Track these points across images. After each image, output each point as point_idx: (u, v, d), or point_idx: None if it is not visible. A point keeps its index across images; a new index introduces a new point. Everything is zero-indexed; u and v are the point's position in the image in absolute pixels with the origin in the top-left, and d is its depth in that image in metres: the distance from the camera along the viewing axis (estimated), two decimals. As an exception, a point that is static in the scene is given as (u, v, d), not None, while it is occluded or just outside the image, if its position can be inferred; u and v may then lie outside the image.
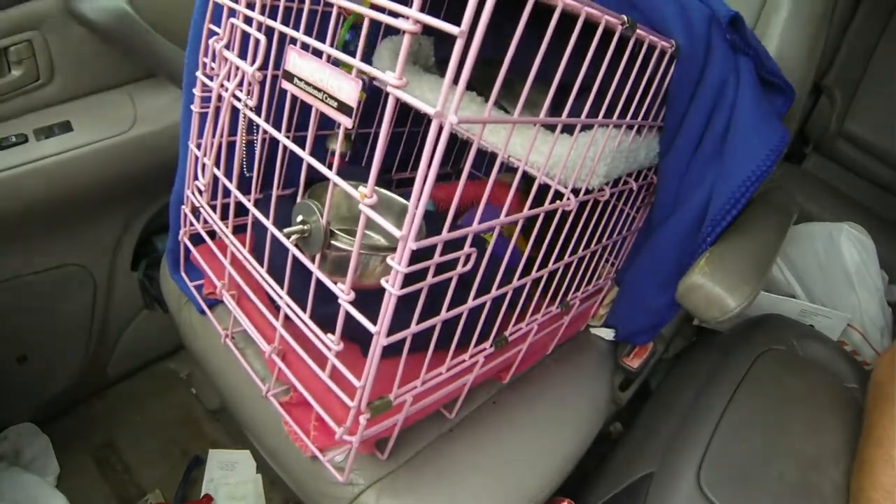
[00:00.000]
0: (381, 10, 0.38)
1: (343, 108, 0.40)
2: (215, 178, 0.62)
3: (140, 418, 1.26)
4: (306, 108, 0.45)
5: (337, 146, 0.45)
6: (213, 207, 0.64)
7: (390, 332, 0.44)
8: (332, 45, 0.44)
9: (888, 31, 1.41)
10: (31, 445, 1.11)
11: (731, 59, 0.65)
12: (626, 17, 0.47)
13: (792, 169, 1.54)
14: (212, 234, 0.67)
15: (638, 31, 0.50)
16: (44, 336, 1.07)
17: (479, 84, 0.66)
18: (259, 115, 0.54)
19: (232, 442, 1.24)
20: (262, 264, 0.56)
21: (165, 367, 1.37)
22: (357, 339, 0.58)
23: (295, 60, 0.45)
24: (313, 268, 0.48)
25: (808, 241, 1.13)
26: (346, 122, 0.40)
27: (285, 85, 0.46)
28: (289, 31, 0.48)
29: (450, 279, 0.47)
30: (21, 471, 1.04)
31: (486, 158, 0.91)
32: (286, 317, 0.54)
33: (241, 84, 0.55)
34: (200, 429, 1.26)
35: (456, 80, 0.34)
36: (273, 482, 1.17)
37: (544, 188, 0.54)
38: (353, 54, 0.41)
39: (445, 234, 0.42)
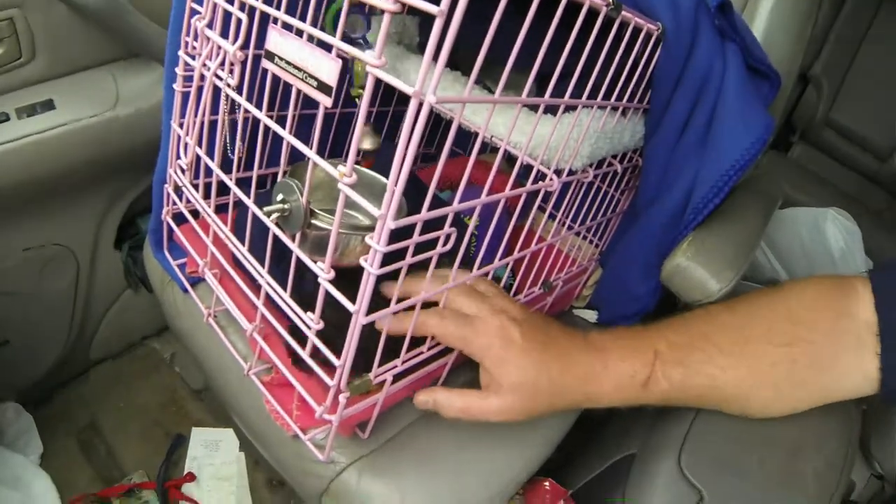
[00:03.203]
0: (362, -12, 0.37)
1: (323, 87, 0.40)
2: (198, 157, 0.61)
3: (123, 400, 1.26)
4: (289, 87, 0.45)
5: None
6: (196, 186, 0.64)
7: (370, 311, 0.44)
8: (314, 25, 0.43)
9: (876, 21, 1.41)
10: (14, 423, 1.11)
11: (718, 44, 0.65)
12: (610, -1, 0.47)
13: (778, 157, 1.55)
14: (195, 213, 0.67)
15: (623, 12, 0.50)
16: (25, 319, 1.06)
17: (465, 67, 0.65)
18: (241, 94, 0.53)
19: (215, 421, 1.24)
20: (244, 243, 0.56)
21: (149, 347, 1.37)
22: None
23: (276, 40, 0.44)
24: (293, 246, 0.48)
25: (792, 226, 1.13)
26: (325, 101, 0.40)
27: (266, 64, 0.46)
28: (270, 10, 0.47)
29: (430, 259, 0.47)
30: (4, 449, 1.04)
31: (471, 138, 0.90)
32: (268, 295, 0.53)
33: (223, 63, 0.54)
34: (184, 409, 1.27)
35: (435, 59, 0.34)
36: (257, 462, 1.17)
37: (529, 169, 0.54)
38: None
39: (425, 214, 0.42)
